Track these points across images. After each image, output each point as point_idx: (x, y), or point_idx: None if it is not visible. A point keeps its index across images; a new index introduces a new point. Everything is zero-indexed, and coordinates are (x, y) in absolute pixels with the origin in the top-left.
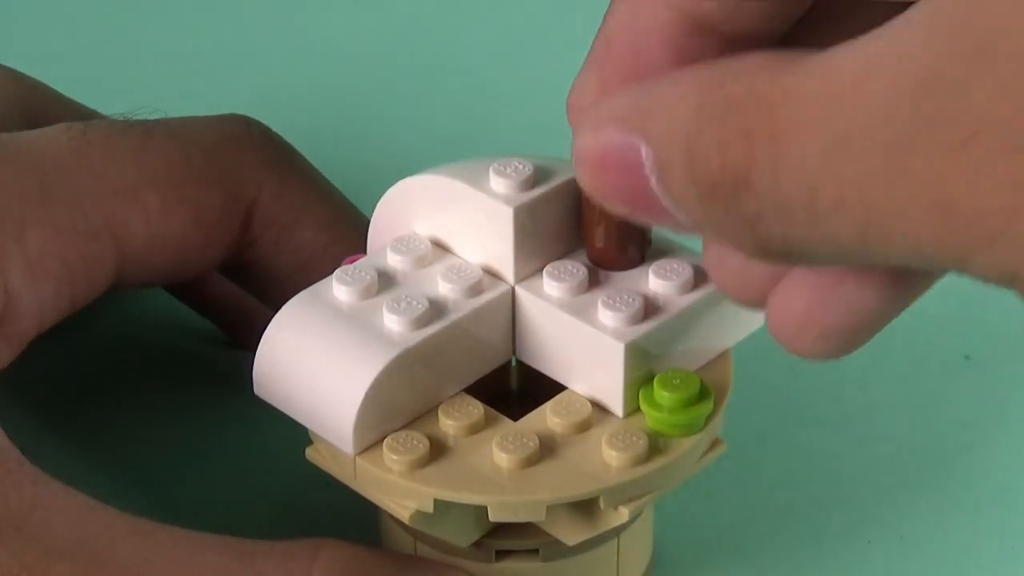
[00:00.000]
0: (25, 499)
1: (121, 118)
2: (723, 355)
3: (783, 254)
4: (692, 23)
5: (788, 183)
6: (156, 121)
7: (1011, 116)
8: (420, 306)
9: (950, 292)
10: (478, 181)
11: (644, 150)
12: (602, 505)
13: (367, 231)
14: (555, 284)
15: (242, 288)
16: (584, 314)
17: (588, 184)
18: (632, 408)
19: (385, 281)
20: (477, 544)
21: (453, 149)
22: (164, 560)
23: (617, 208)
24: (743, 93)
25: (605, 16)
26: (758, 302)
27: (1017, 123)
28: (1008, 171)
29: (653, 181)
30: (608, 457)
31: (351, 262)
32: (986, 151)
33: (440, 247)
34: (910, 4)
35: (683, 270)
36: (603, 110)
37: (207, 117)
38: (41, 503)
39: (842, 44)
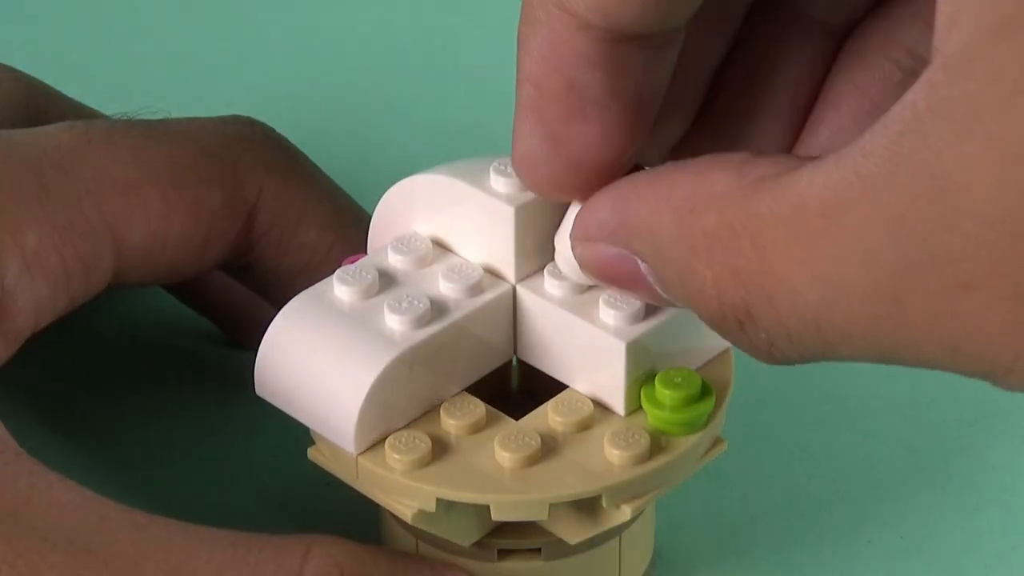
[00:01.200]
0: (21, 489)
1: (123, 117)
2: (724, 354)
3: (803, 362)
4: (610, 36)
5: (791, 320)
6: (158, 121)
7: (995, 269)
8: (421, 305)
9: None
10: (479, 180)
11: (642, 264)
12: (604, 504)
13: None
14: (556, 283)
15: (245, 288)
16: (585, 313)
17: (598, 281)
18: (633, 407)
19: (386, 281)
20: (479, 543)
21: (454, 149)
22: (159, 551)
23: (635, 296)
24: (717, 224)
25: (519, 60)
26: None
27: (1006, 274)
28: (1007, 318)
29: (657, 288)
30: (610, 456)
31: (352, 262)
32: (983, 299)
33: (441, 246)
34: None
35: None
36: (589, 226)
37: (210, 118)
38: (37, 493)
39: (804, 167)
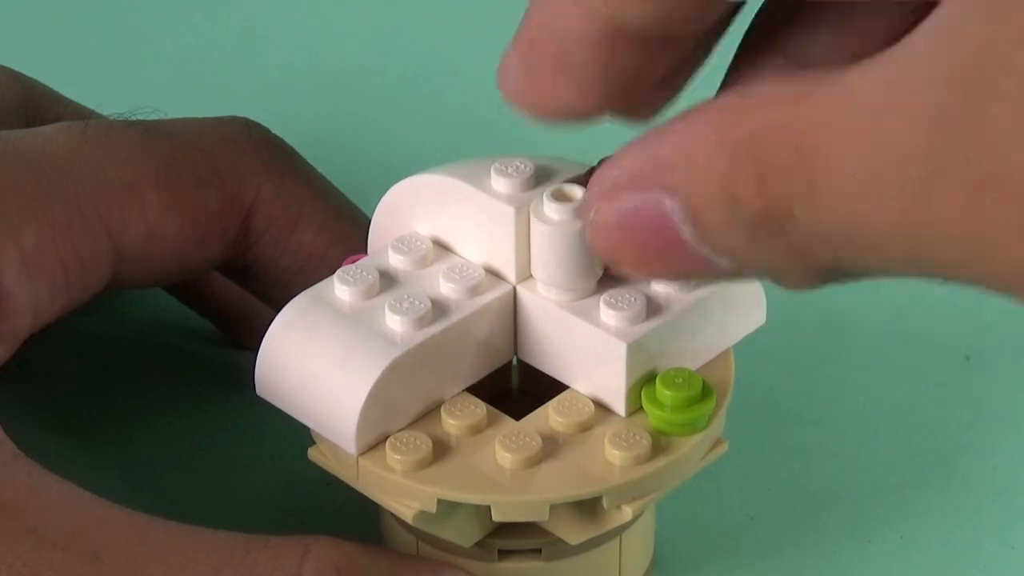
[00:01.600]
0: (20, 490)
1: (121, 118)
2: (724, 354)
3: (836, 279)
4: (612, 29)
5: (828, 216)
6: (156, 121)
7: (1015, 167)
8: (422, 306)
9: (950, 292)
10: (480, 181)
11: (670, 203)
12: (605, 504)
13: (368, 231)
14: None
15: (243, 288)
16: (586, 314)
17: (612, 255)
18: (634, 407)
19: (387, 281)
20: (480, 544)
21: (454, 149)
22: (157, 552)
23: (646, 272)
24: (763, 126)
25: (527, 9)
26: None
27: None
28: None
29: (687, 232)
30: (611, 456)
31: (352, 262)
32: (1004, 197)
33: (441, 247)
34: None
35: None
36: (610, 175)
37: (207, 118)
38: (36, 494)
39: (853, 67)
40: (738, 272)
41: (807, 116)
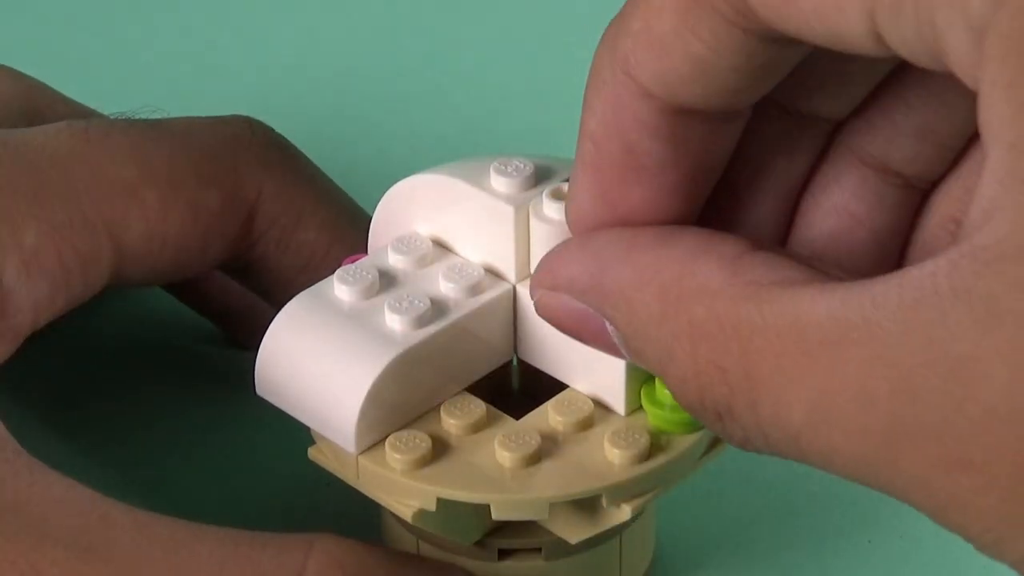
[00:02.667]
0: (22, 487)
1: (122, 117)
2: None
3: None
4: (674, 109)
5: (771, 429)
6: (157, 121)
7: (997, 458)
8: (422, 305)
9: None
10: (479, 180)
11: (609, 327)
12: (604, 503)
13: (369, 230)
14: None
15: (245, 288)
16: None
17: (551, 323)
18: (634, 406)
19: (386, 280)
20: (480, 543)
21: (454, 149)
22: (160, 549)
23: (589, 345)
24: (706, 317)
25: (583, 115)
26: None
27: (1005, 465)
28: (998, 505)
29: (623, 350)
30: (610, 455)
31: (352, 262)
32: (980, 480)
33: (441, 246)
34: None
35: None
36: (557, 276)
37: (208, 118)
38: (38, 491)
39: (806, 289)
40: None
41: (753, 321)
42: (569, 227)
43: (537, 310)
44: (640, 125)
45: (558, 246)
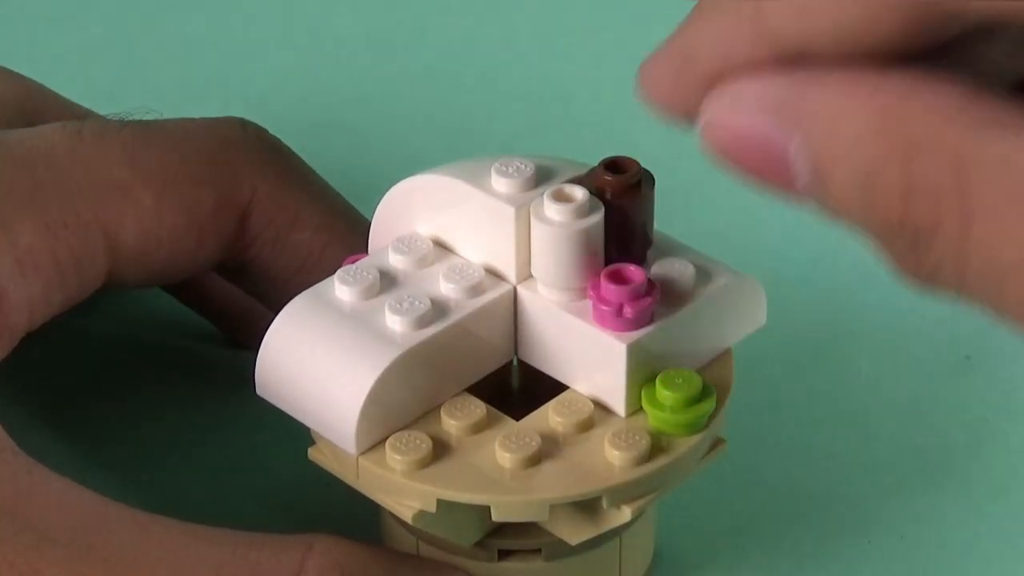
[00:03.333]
0: (21, 487)
1: (117, 118)
2: (724, 354)
3: (944, 290)
4: (789, 57)
5: (973, 266)
6: (152, 122)
7: None
8: (422, 306)
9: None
10: (480, 181)
11: (797, 145)
12: (605, 504)
13: (365, 231)
14: None
15: (241, 289)
16: (586, 314)
17: (717, 155)
18: (634, 408)
19: (387, 281)
20: (480, 544)
21: (454, 149)
22: (158, 549)
23: (743, 177)
24: (928, 140)
25: (687, 25)
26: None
27: None
28: None
29: (804, 177)
30: (611, 456)
31: (353, 262)
32: None
33: (442, 247)
34: None
35: (685, 270)
36: (749, 91)
37: (203, 119)
38: (36, 491)
39: None
40: (838, 220)
41: (980, 154)
42: (641, 89)
43: (704, 132)
44: (742, 61)
45: (738, 69)
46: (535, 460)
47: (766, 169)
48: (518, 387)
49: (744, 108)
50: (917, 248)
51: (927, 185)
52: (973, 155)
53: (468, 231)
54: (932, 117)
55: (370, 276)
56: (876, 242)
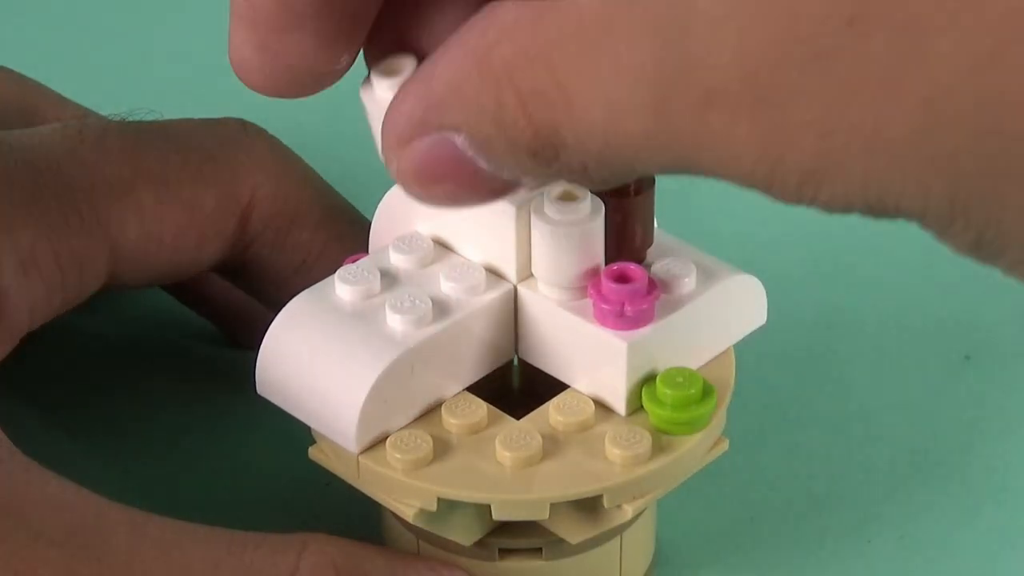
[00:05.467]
0: (17, 486)
1: (118, 118)
2: (725, 354)
3: (619, 182)
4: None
5: (588, 138)
6: (152, 122)
7: (731, 73)
8: (423, 305)
9: (950, 292)
10: None
11: (459, 139)
12: (605, 504)
13: (365, 230)
14: None
15: (241, 289)
16: (587, 313)
17: (425, 197)
18: (635, 407)
19: (388, 280)
20: (480, 543)
21: None
22: (154, 548)
23: (463, 204)
24: (513, 52)
25: None
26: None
27: (741, 77)
28: (752, 127)
29: (481, 162)
30: (611, 455)
31: (353, 262)
32: (727, 109)
33: (442, 246)
34: None
35: (685, 269)
36: (398, 124)
37: (204, 119)
38: (32, 490)
39: None
40: (543, 185)
41: (548, 36)
42: (237, 75)
43: (399, 180)
44: None
45: (393, 102)
46: (535, 459)
47: (461, 178)
48: (519, 386)
49: (404, 140)
50: (562, 160)
51: (536, 97)
52: (547, 43)
53: (469, 230)
54: (506, 35)
55: (371, 276)
56: (555, 180)
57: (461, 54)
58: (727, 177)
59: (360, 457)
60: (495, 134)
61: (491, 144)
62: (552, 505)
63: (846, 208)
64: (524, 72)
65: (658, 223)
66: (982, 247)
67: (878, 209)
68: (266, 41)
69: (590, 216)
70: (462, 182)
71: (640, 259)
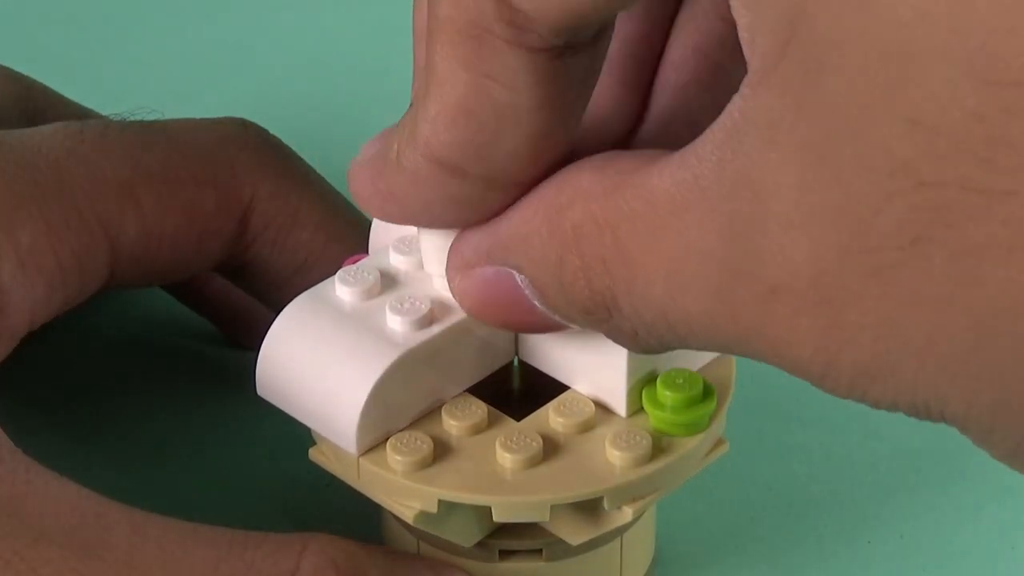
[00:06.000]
0: (17, 486)
1: (118, 118)
2: (725, 355)
3: (666, 350)
4: (547, 47)
5: (644, 309)
6: (153, 122)
7: (799, 273)
8: (423, 306)
9: None
10: None
11: (519, 277)
12: (606, 505)
13: (365, 231)
14: None
15: (241, 289)
16: None
17: (478, 316)
18: (635, 408)
19: (388, 281)
20: (481, 544)
21: None
22: (155, 547)
23: (512, 328)
24: (583, 218)
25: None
26: None
27: (808, 278)
28: (813, 324)
29: (536, 302)
30: (612, 457)
31: (353, 262)
32: (790, 304)
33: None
34: None
35: None
36: (464, 252)
37: (204, 119)
38: (33, 490)
39: (656, 163)
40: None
41: (619, 208)
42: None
43: (459, 301)
44: (515, 74)
45: (461, 231)
46: (536, 461)
47: (514, 309)
48: (519, 388)
49: (468, 266)
50: (615, 322)
51: (597, 262)
52: (617, 215)
53: None
54: (580, 199)
55: (371, 276)
56: (602, 333)
57: (534, 208)
58: (780, 364)
59: (360, 459)
60: (553, 287)
61: (548, 293)
62: (553, 506)
63: (891, 407)
64: (591, 237)
65: None
66: (1018, 455)
67: (923, 413)
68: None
69: None
70: (515, 314)
71: None
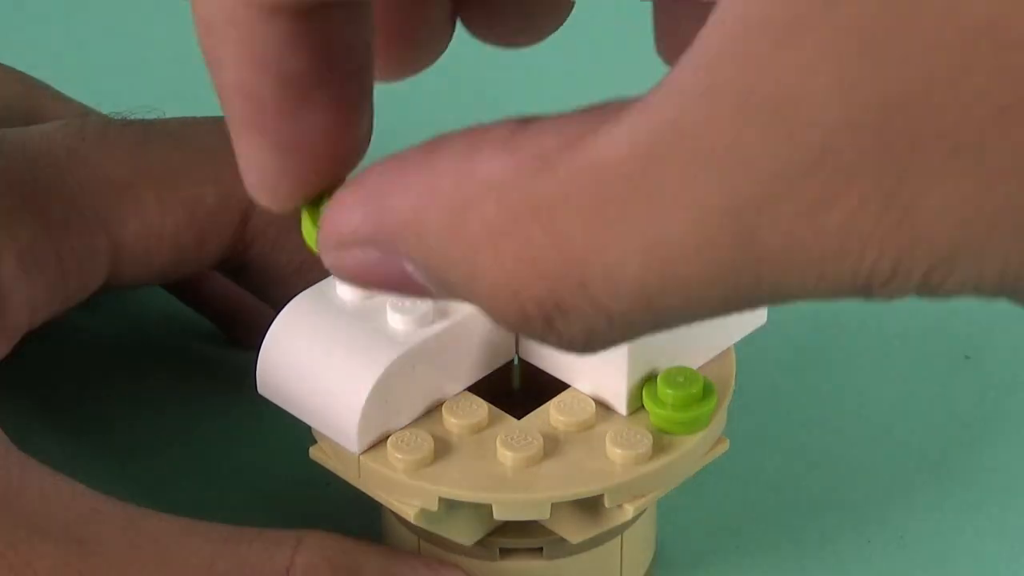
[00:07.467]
0: (13, 482)
1: (119, 117)
2: (726, 353)
3: (625, 342)
4: (302, 7)
5: (612, 301)
6: (154, 121)
7: (856, 172)
8: (423, 305)
9: None
10: None
11: (408, 267)
12: (606, 503)
13: None
14: None
15: (242, 287)
16: None
17: (351, 283)
18: (635, 406)
19: None
20: (481, 542)
21: None
22: (150, 543)
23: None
24: (498, 214)
25: (215, 76)
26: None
27: (868, 174)
28: (881, 220)
29: (432, 288)
30: (612, 455)
31: None
32: (848, 209)
33: None
34: None
35: None
36: (341, 229)
37: (205, 118)
38: (29, 486)
39: (597, 132)
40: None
41: (552, 191)
42: (258, 201)
43: (333, 273)
44: (282, 46)
45: (333, 200)
46: (536, 459)
47: (404, 287)
48: (519, 386)
49: (350, 248)
50: (560, 330)
51: (524, 265)
52: (548, 201)
53: None
54: (492, 191)
55: None
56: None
57: (427, 198)
58: (822, 287)
59: (361, 457)
60: (464, 293)
61: (452, 289)
62: (553, 505)
63: (973, 292)
64: (513, 238)
65: None
66: None
67: (1009, 290)
68: (282, 138)
69: None
70: (406, 289)
71: None
